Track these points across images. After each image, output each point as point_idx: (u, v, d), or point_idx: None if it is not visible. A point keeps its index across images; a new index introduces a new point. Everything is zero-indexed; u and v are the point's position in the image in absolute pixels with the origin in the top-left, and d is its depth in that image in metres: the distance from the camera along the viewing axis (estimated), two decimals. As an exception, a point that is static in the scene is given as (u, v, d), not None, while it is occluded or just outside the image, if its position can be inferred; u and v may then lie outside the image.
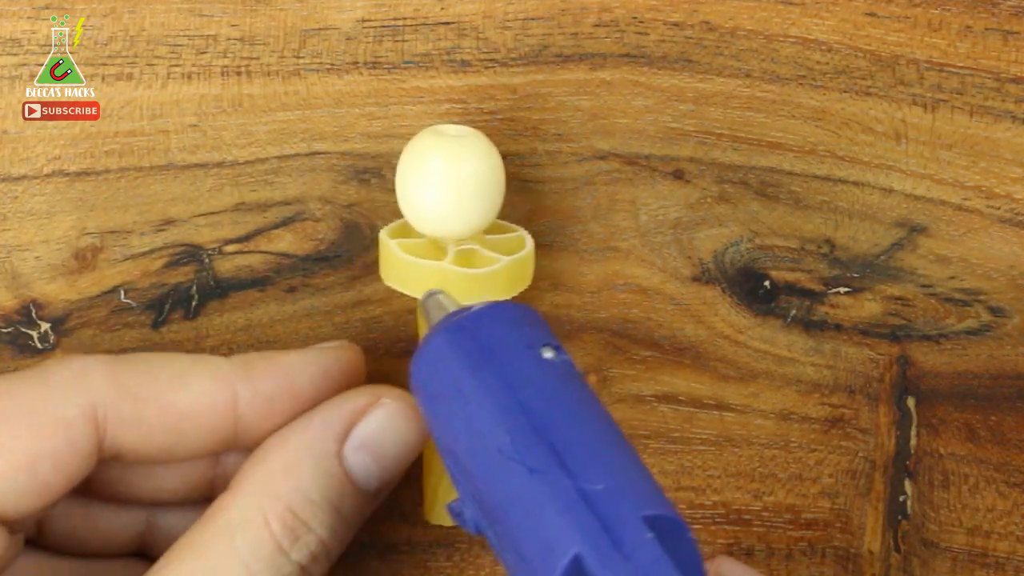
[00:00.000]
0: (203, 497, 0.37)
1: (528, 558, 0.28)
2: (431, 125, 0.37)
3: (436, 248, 0.36)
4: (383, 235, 0.36)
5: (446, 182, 0.35)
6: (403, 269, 0.36)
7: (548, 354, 0.31)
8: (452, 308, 0.32)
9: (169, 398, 0.34)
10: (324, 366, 0.36)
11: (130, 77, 0.38)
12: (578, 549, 0.27)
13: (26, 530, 0.35)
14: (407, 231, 0.37)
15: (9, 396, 0.33)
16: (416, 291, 0.35)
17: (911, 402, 0.40)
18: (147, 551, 0.37)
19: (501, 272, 0.35)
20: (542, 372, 0.30)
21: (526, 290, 0.39)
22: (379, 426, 0.34)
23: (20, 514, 0.33)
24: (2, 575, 0.34)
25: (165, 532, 0.37)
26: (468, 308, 0.32)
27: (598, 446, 0.29)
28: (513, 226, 0.37)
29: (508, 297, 0.36)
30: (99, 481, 0.36)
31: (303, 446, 0.34)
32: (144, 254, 0.38)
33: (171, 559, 0.33)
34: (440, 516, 0.38)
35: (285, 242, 0.39)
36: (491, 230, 0.37)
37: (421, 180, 0.35)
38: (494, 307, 0.32)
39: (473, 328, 0.31)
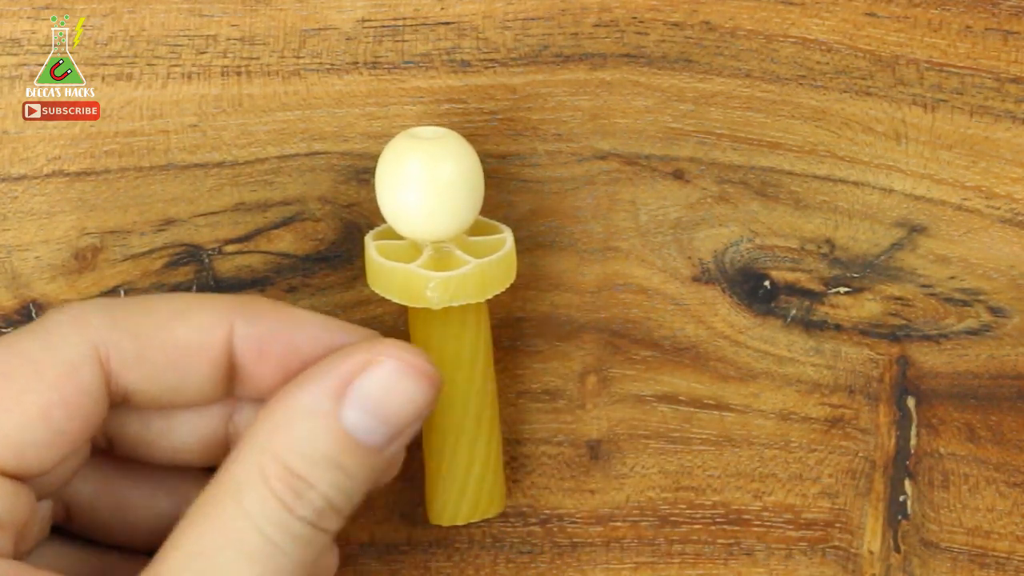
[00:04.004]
0: (220, 461, 0.37)
1: None
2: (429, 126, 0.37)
3: (417, 250, 0.36)
4: (368, 238, 0.36)
5: (424, 185, 0.35)
6: (377, 272, 0.36)
7: None
8: None
9: (167, 333, 0.34)
10: (331, 333, 0.35)
11: (130, 77, 0.38)
12: None
13: (50, 493, 0.34)
14: (393, 233, 0.37)
15: (11, 350, 0.33)
16: (389, 294, 0.35)
17: (911, 402, 0.40)
18: None
19: (471, 275, 0.35)
20: None
21: (527, 291, 0.39)
22: (379, 383, 0.33)
23: (42, 467, 0.33)
24: (30, 551, 0.34)
25: None
26: None
27: None
28: (501, 226, 0.37)
29: (483, 300, 0.36)
30: (119, 442, 0.36)
31: (298, 404, 0.33)
32: (144, 254, 0.38)
33: (185, 526, 0.32)
34: (441, 516, 0.38)
35: (285, 242, 0.39)
36: (478, 230, 0.37)
37: (399, 184, 0.35)
38: None
39: None
